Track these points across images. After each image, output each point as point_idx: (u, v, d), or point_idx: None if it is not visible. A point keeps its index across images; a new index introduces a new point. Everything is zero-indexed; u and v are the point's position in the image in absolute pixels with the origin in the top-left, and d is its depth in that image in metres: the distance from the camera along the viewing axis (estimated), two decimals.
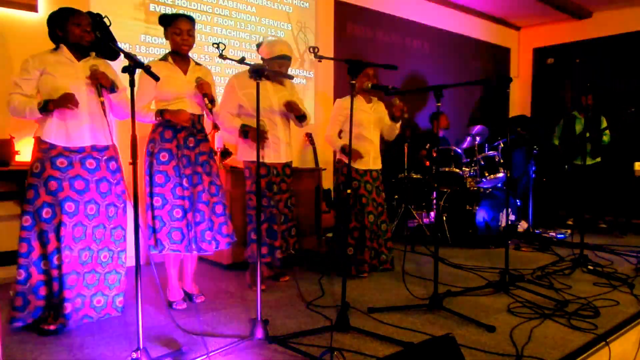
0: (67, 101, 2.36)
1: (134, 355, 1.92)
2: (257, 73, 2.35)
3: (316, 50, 2.51)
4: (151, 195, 2.77)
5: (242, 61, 2.49)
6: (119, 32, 3.77)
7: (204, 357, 2.10)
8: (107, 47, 2.58)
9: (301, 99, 3.44)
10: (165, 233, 2.74)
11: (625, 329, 2.57)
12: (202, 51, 4.35)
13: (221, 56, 2.44)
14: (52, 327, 2.40)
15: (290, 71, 4.87)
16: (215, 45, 2.44)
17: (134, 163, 1.96)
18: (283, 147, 3.27)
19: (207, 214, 2.84)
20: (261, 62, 3.26)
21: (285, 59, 3.20)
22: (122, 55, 2.11)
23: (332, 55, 5.19)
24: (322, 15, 5.26)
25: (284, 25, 4.93)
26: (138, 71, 2.00)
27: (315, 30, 5.20)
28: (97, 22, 2.57)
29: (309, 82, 5.17)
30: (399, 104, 3.52)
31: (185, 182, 2.80)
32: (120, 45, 2.18)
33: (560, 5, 6.53)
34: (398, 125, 3.69)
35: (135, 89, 2.73)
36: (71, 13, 2.50)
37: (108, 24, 2.32)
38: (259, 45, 3.30)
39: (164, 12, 4.10)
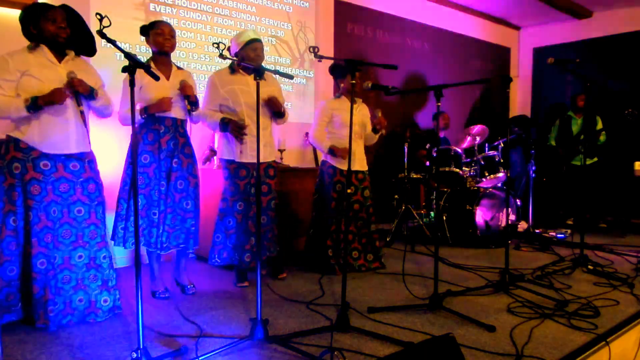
0: (58, 96, 2.32)
1: (134, 355, 1.91)
2: (257, 72, 2.35)
3: (316, 50, 2.51)
4: (130, 195, 2.83)
5: (242, 61, 2.49)
6: (119, 32, 3.77)
7: (204, 357, 2.10)
8: (86, 44, 2.56)
9: (282, 94, 3.43)
10: (141, 231, 2.84)
11: (625, 328, 2.57)
12: (202, 51, 4.35)
13: (221, 56, 2.44)
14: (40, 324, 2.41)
15: (290, 71, 4.90)
16: (215, 45, 2.44)
17: (134, 163, 1.96)
18: (262, 147, 3.24)
19: (182, 220, 2.94)
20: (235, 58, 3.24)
21: (256, 42, 3.18)
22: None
23: (332, 55, 5.19)
24: (322, 15, 5.26)
25: (284, 25, 4.93)
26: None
27: (315, 30, 5.20)
28: (72, 17, 2.50)
29: (309, 82, 5.17)
30: (380, 117, 3.58)
31: (162, 186, 2.87)
32: (121, 45, 2.17)
33: (560, 5, 6.53)
34: (377, 136, 3.74)
35: (121, 98, 2.80)
36: (45, 8, 2.42)
37: (108, 24, 2.31)
38: (229, 48, 3.27)
39: (164, 12, 4.10)
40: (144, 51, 3.99)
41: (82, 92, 2.43)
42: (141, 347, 1.92)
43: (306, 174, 4.27)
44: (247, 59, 3.12)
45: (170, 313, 2.73)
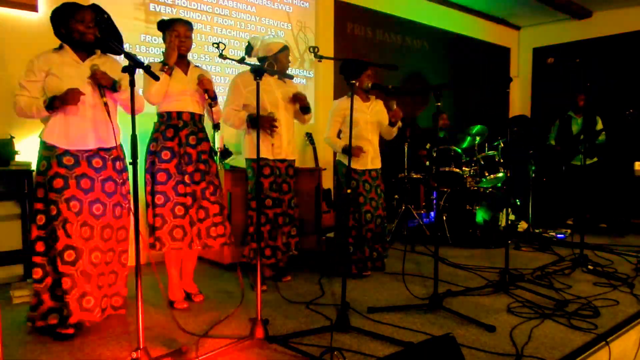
0: (72, 96, 2.33)
1: (134, 355, 1.91)
2: (257, 72, 2.35)
3: (316, 50, 2.52)
4: (153, 193, 2.79)
5: (242, 61, 2.50)
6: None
7: (204, 357, 2.10)
8: (108, 44, 2.54)
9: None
10: (167, 231, 2.76)
11: (625, 328, 2.57)
12: (202, 51, 4.35)
13: (221, 56, 2.45)
14: (70, 331, 2.37)
15: (290, 71, 4.89)
16: (215, 45, 2.44)
17: (134, 163, 1.96)
18: (285, 145, 3.29)
19: (210, 211, 2.88)
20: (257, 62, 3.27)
21: (287, 50, 3.31)
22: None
23: (332, 55, 5.19)
24: (322, 15, 5.26)
25: (284, 25, 4.93)
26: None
27: (315, 30, 5.20)
28: (101, 16, 2.50)
29: (309, 82, 5.17)
30: (395, 109, 3.56)
31: (187, 179, 2.82)
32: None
33: (560, 5, 6.53)
34: (395, 128, 3.72)
35: (143, 86, 2.78)
36: (74, 9, 2.43)
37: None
38: (249, 49, 3.29)
39: (164, 12, 4.11)
40: (144, 51, 4.00)
41: (104, 85, 2.42)
42: (141, 347, 1.92)
43: (306, 174, 4.27)
44: (278, 65, 3.23)
45: (170, 313, 2.73)
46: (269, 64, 3.20)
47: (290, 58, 3.39)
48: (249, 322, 2.30)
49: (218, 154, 4.08)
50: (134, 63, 1.97)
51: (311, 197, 4.26)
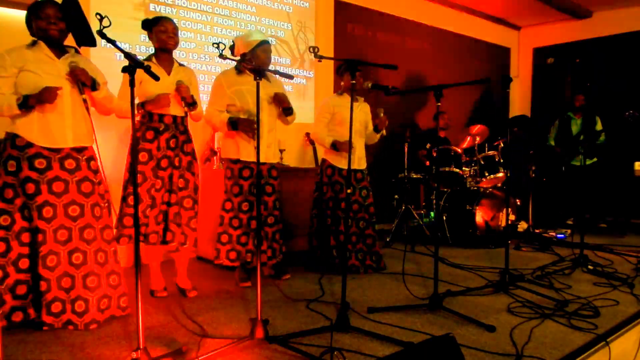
0: (48, 95, 2.31)
1: (134, 355, 1.91)
2: (257, 73, 2.35)
3: (316, 50, 2.51)
4: (125, 190, 2.85)
5: (242, 61, 2.50)
6: (119, 32, 3.78)
7: (204, 357, 2.10)
8: (82, 32, 2.48)
9: (286, 94, 3.42)
10: (133, 230, 2.78)
11: (625, 328, 2.57)
12: (202, 51, 4.35)
13: (221, 56, 2.44)
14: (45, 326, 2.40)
15: (290, 71, 4.89)
16: (215, 45, 2.44)
17: (133, 163, 1.96)
18: (266, 148, 3.22)
19: (185, 215, 2.93)
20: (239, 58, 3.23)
21: (266, 44, 3.21)
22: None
23: (332, 55, 5.19)
24: (322, 15, 5.26)
25: (284, 25, 4.93)
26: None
27: (315, 30, 5.20)
28: (68, 7, 2.40)
29: (309, 82, 5.17)
30: (382, 117, 3.57)
31: (158, 184, 2.85)
32: (120, 45, 2.17)
33: (560, 5, 6.53)
34: (379, 135, 3.72)
35: (120, 88, 2.78)
36: (37, 6, 2.42)
37: (108, 24, 2.30)
38: (232, 47, 3.27)
39: (164, 12, 4.11)
40: (143, 51, 4.00)
41: (84, 82, 2.41)
42: (141, 347, 1.92)
43: (306, 174, 4.27)
44: (256, 61, 3.14)
45: (170, 313, 2.73)
46: (247, 61, 3.12)
47: (289, 58, 3.37)
48: (249, 322, 2.30)
49: (218, 153, 4.08)
50: (134, 63, 1.97)
51: (311, 197, 4.25)
